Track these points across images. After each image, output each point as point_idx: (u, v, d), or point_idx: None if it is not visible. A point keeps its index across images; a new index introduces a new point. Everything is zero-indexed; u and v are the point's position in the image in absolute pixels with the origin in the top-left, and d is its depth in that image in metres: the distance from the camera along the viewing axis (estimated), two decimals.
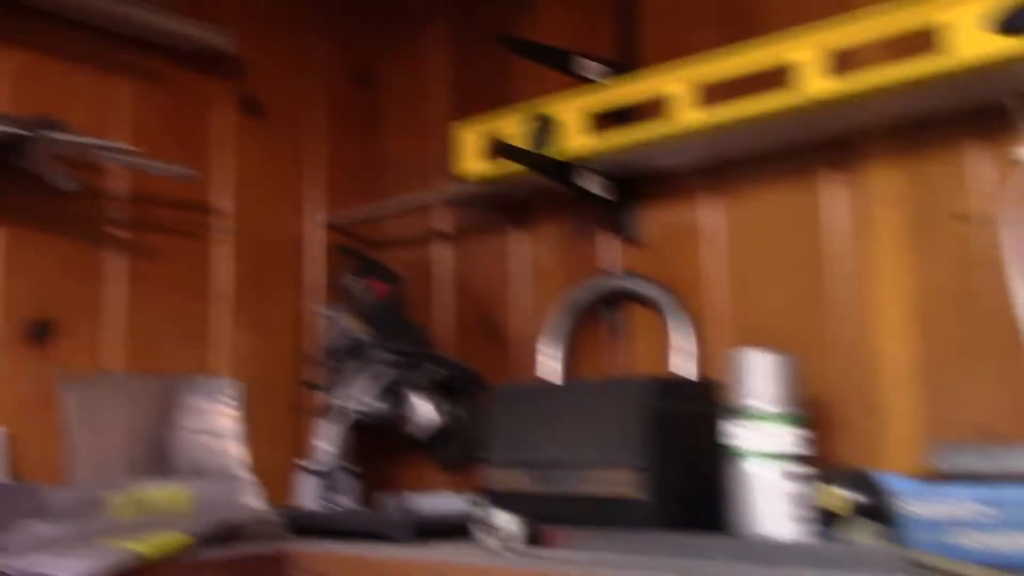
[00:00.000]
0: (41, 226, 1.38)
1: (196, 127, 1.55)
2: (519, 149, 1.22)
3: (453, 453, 1.57)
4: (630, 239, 1.36)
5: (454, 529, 1.30)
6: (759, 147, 1.21)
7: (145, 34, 1.47)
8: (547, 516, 1.13)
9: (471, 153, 1.37)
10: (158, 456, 1.47)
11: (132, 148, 1.28)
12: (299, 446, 1.61)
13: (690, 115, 1.15)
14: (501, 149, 1.20)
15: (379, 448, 1.68)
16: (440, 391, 1.52)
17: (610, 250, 1.41)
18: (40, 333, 1.37)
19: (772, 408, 1.06)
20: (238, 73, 1.60)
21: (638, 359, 1.36)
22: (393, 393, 1.48)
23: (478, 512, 1.17)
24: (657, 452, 1.09)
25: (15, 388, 1.34)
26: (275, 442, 1.59)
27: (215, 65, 1.57)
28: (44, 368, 1.37)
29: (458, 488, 1.57)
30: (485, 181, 1.39)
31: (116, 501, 1.36)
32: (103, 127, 1.42)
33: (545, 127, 1.24)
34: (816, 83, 1.08)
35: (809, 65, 1.08)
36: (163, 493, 1.41)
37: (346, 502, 1.50)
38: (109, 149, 1.28)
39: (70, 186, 1.35)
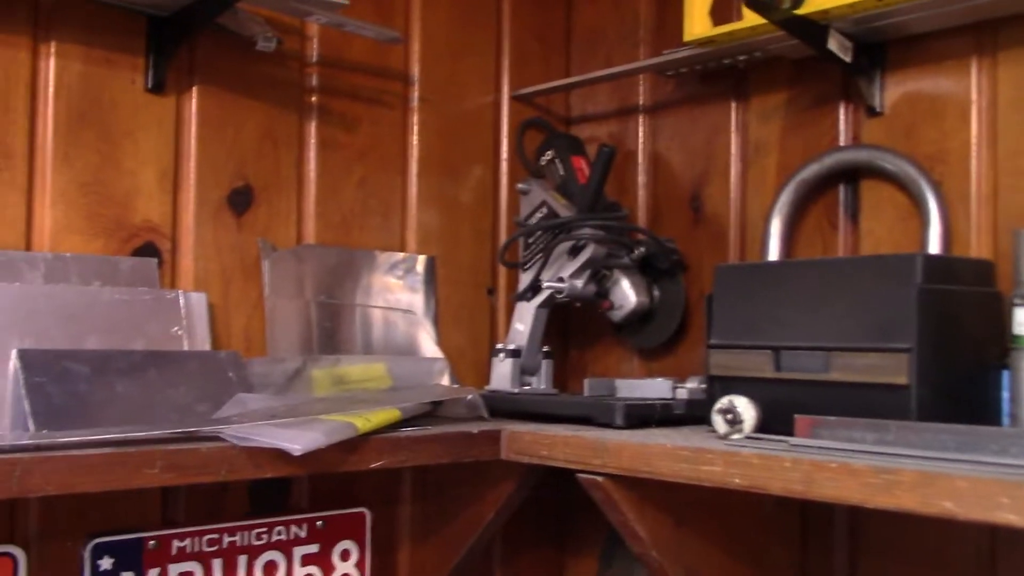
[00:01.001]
0: (237, 89, 1.32)
1: None
2: (770, 4, 1.11)
3: (649, 336, 1.49)
4: (871, 109, 1.25)
5: (669, 415, 1.24)
6: None
7: None
8: (787, 403, 1.05)
9: (699, 13, 1.26)
10: (350, 331, 1.42)
11: (342, 2, 1.20)
12: (491, 327, 1.56)
13: None
14: (751, 2, 1.09)
15: (568, 330, 1.62)
16: (643, 272, 1.44)
17: (845, 122, 1.29)
18: (240, 200, 1.32)
19: None
20: None
21: (874, 240, 1.26)
22: (596, 273, 1.41)
23: (716, 398, 1.10)
24: (927, 334, 1.00)
25: (216, 256, 1.30)
26: (467, 322, 1.53)
27: None
28: (242, 236, 1.32)
29: (651, 372, 1.50)
30: (711, 43, 1.28)
31: (318, 375, 1.33)
32: None
33: None
34: None
35: None
36: (361, 369, 1.37)
37: (541, 385, 1.45)
38: (318, 5, 1.20)
39: (270, 47, 1.29)
